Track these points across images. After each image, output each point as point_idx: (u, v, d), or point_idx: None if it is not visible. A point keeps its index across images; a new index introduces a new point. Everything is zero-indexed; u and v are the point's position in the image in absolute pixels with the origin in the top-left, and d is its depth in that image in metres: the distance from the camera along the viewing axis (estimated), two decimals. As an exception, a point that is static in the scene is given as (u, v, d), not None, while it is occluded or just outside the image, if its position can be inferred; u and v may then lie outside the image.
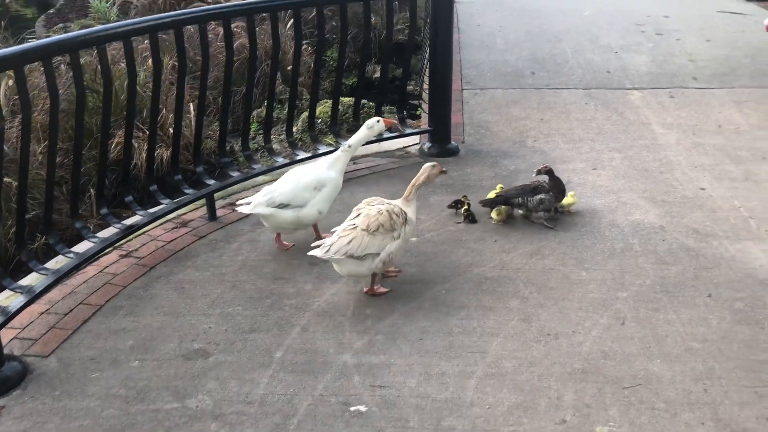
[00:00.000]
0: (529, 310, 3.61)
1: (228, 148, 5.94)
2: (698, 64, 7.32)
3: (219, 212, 4.77)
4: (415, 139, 6.05)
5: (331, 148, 5.50)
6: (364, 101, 6.97)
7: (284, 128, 6.35)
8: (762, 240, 4.24)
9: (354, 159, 5.74)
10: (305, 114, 6.81)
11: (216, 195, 4.77)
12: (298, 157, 5.23)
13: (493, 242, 4.32)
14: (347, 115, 6.76)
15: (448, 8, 5.48)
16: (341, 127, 6.53)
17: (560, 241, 4.31)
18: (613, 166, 5.43)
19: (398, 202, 3.76)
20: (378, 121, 4.30)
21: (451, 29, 5.62)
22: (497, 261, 4.09)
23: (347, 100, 6.85)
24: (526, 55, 7.67)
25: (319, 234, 4.23)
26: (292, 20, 8.17)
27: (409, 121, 6.67)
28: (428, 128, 5.87)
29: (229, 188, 4.94)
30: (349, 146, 4.24)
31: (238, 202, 4.22)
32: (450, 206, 4.73)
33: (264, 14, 6.74)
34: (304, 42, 7.77)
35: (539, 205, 4.47)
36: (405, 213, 3.69)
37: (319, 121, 6.70)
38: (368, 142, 5.54)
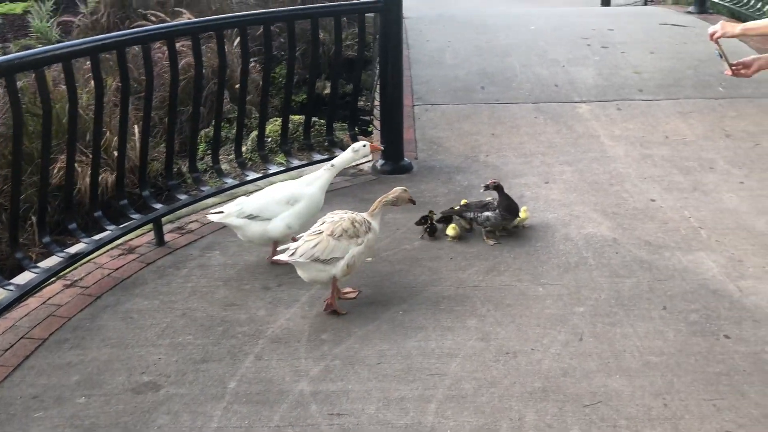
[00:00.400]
0: (488, 329, 3.56)
1: (175, 170, 5.81)
2: (643, 76, 7.45)
3: (167, 237, 4.63)
4: (369, 156, 5.99)
5: (282, 168, 5.43)
6: (314, 118, 6.90)
7: (233, 148, 6.25)
8: (713, 250, 4.28)
9: (306, 178, 5.68)
10: (254, 133, 6.72)
11: (164, 219, 4.64)
12: (248, 178, 5.14)
13: (449, 260, 4.28)
14: (298, 133, 6.68)
15: (396, 24, 5.46)
16: (292, 145, 6.45)
17: (515, 256, 4.29)
18: (565, 179, 5.46)
19: (363, 215, 3.78)
20: (364, 146, 4.26)
21: (401, 45, 5.60)
22: (454, 279, 4.05)
23: (297, 118, 6.78)
24: (476, 70, 7.71)
25: (273, 252, 4.06)
26: (239, 38, 8.09)
27: (360, 137, 6.62)
28: (360, 162, 5.82)
29: (177, 212, 4.80)
30: (332, 166, 4.20)
31: (209, 212, 4.22)
32: (419, 223, 4.64)
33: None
34: (251, 59, 7.69)
35: (485, 222, 4.46)
36: (369, 222, 3.71)
37: (269, 139, 6.61)
38: (329, 158, 5.50)
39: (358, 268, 3.74)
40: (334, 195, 5.30)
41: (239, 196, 5.26)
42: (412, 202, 3.98)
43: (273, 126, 6.74)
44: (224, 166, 6.38)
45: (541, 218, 4.79)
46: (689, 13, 9.95)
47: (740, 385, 3.09)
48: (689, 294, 3.81)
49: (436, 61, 8.02)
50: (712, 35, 3.46)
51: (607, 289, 3.89)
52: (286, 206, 4.02)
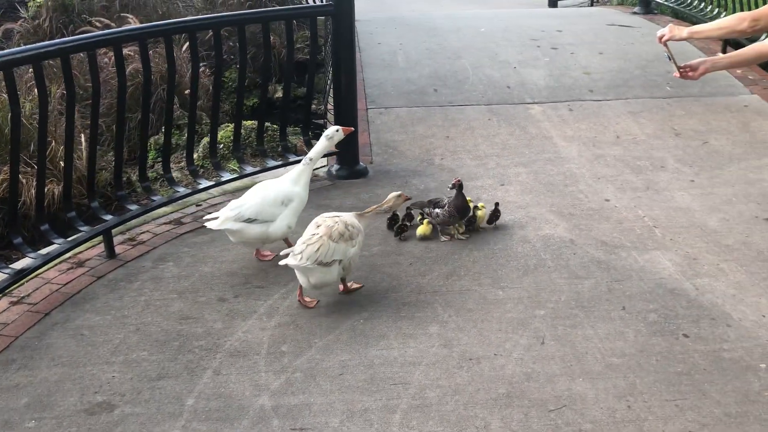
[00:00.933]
0: (450, 335, 3.53)
1: (124, 179, 5.65)
2: (593, 76, 7.54)
3: (118, 249, 4.49)
4: (323, 161, 5.93)
5: (235, 175, 5.32)
6: (267, 123, 6.79)
7: (184, 155, 6.10)
8: (668, 249, 4.33)
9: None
10: (206, 139, 6.59)
11: (114, 231, 4.49)
12: (201, 186, 5.02)
13: (408, 266, 4.24)
14: (250, 139, 6.57)
15: (349, 28, 5.40)
16: (244, 151, 6.34)
17: (474, 260, 4.27)
18: (520, 181, 5.47)
19: (351, 215, 3.88)
20: (337, 131, 4.32)
21: (354, 49, 5.55)
22: (414, 285, 4.01)
23: (250, 123, 6.67)
24: (428, 73, 7.70)
25: (290, 245, 4.14)
26: (188, 42, 7.93)
27: (314, 142, 6.55)
28: (336, 150, 5.75)
29: (128, 223, 4.66)
30: (310, 159, 4.24)
31: (204, 218, 4.20)
32: (390, 226, 4.66)
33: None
34: (201, 64, 7.54)
35: (435, 218, 4.50)
36: (359, 226, 3.82)
37: (221, 146, 6.48)
38: (282, 165, 5.42)
39: (354, 269, 3.89)
40: (290, 202, 5.22)
41: (191, 205, 5.18)
42: (408, 199, 4.14)
43: (224, 132, 6.61)
44: (175, 174, 6.23)
45: (498, 221, 4.79)
46: (635, 13, 10.12)
47: (701, 385, 3.11)
48: (647, 294, 3.84)
49: (388, 64, 7.99)
50: (660, 38, 3.51)
51: (566, 290, 3.90)
52: (281, 207, 4.07)
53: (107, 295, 4.00)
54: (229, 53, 9.25)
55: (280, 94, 10.37)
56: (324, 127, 6.86)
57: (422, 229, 4.55)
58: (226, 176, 5.24)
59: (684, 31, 3.49)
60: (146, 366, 3.38)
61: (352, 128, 4.88)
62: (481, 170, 5.68)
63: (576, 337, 3.48)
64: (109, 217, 4.46)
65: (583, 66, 7.82)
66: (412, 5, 14.08)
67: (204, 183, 5.06)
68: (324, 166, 5.91)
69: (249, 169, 5.35)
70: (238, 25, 4.97)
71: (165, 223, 4.91)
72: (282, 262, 3.60)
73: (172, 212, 5.08)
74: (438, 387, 3.17)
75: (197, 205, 5.20)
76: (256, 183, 5.56)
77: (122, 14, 9.74)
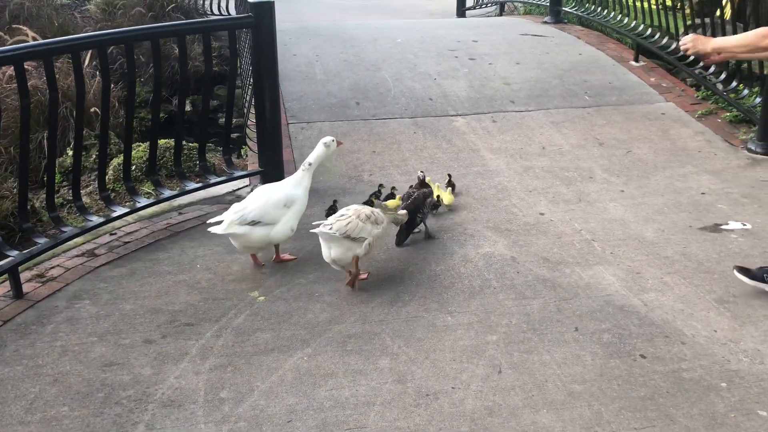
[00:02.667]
0: (402, 368, 3.32)
1: (29, 206, 5.16)
2: (513, 87, 7.52)
3: (26, 287, 4.06)
4: (246, 180, 5.62)
5: (152, 200, 4.95)
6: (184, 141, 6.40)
7: (92, 177, 5.67)
8: (610, 263, 4.27)
9: (179, 207, 5.25)
10: (117, 160, 6.16)
11: (21, 267, 4.06)
12: (115, 214, 4.63)
13: (349, 292, 4.00)
14: (165, 159, 6.17)
15: (270, 40, 5.12)
16: (160, 173, 5.94)
17: (418, 283, 4.08)
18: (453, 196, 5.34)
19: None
20: (333, 140, 4.44)
21: (276, 62, 5.28)
22: (358, 314, 3.78)
23: (164, 143, 6.26)
24: (348, 85, 7.49)
25: (278, 254, 4.35)
26: (90, 56, 7.44)
27: (236, 160, 6.23)
28: (259, 169, 5.46)
29: (36, 257, 4.23)
30: (310, 164, 4.33)
31: (209, 221, 4.15)
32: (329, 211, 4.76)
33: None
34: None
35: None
36: (383, 215, 4.08)
37: (134, 167, 6.06)
38: (194, 189, 5.09)
39: (375, 252, 4.16)
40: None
41: (105, 234, 4.78)
42: (421, 221, 4.57)
43: (137, 152, 6.19)
44: (85, 199, 5.78)
45: (437, 240, 4.63)
46: (545, 23, 10.23)
47: (667, 409, 3.02)
48: (597, 312, 3.75)
49: (306, 77, 7.73)
50: (685, 51, 3.61)
51: (516, 313, 3.76)
52: (284, 209, 4.12)
53: (17, 341, 3.58)
54: (139, 67, 8.74)
55: (188, 107, 9.97)
56: (243, 143, 6.56)
57: (392, 203, 4.90)
58: (142, 201, 4.86)
59: (708, 45, 3.53)
60: (68, 424, 3.01)
61: (342, 142, 4.85)
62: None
63: (533, 364, 3.33)
64: (14, 252, 4.03)
65: (502, 76, 7.80)
66: (321, 14, 13.84)
67: (118, 210, 4.67)
68: (246, 186, 5.61)
69: (167, 193, 4.98)
70: (151, 39, 4.61)
71: (77, 256, 4.49)
72: (315, 230, 3.80)
73: (84, 243, 4.66)
74: (397, 429, 2.95)
75: (111, 234, 4.80)
76: (174, 208, 5.24)
77: (14, 26, 9.06)
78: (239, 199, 5.39)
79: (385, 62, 8.21)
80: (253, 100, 5.56)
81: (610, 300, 3.87)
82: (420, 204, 4.53)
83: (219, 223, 4.06)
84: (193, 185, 5.13)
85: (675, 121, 6.74)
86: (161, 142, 6.18)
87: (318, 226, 3.88)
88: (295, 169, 5.82)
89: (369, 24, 10.27)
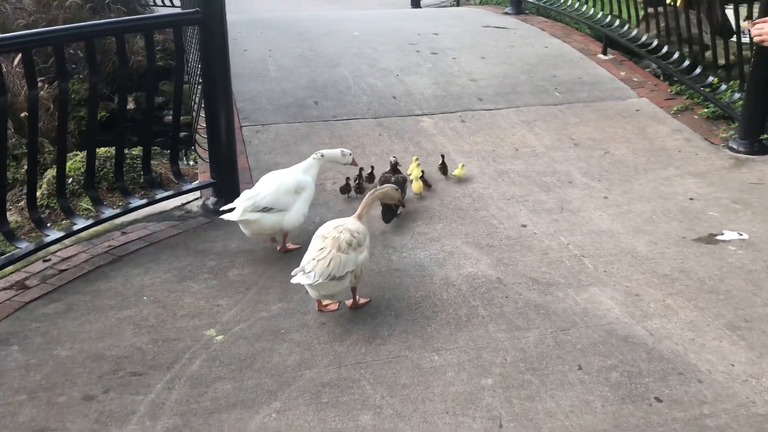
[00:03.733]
0: (388, 426, 2.87)
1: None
2: (480, 83, 7.11)
3: (-59, 332, 3.48)
4: (196, 194, 5.08)
5: (91, 221, 4.38)
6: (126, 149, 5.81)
7: (21, 191, 5.06)
8: (605, 284, 3.89)
9: (122, 226, 4.70)
10: (52, 172, 5.54)
11: (-66, 309, 3.48)
12: (49, 239, 4.07)
13: (319, 327, 3.54)
14: (105, 170, 5.58)
15: (221, 38, 4.59)
16: (99, 186, 5.36)
17: (397, 314, 3.63)
18: (426, 206, 4.91)
19: (352, 219, 3.65)
20: (350, 154, 4.45)
21: (228, 61, 4.75)
22: (332, 355, 3.31)
23: (104, 151, 5.67)
24: (305, 83, 6.97)
25: (285, 244, 4.26)
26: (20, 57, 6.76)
27: (184, 171, 5.68)
28: (211, 180, 4.93)
29: (-47, 296, 3.65)
30: (322, 155, 4.28)
31: (221, 209, 4.10)
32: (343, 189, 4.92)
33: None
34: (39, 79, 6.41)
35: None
36: (363, 230, 3.60)
37: (70, 180, 5.46)
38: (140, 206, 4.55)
39: (366, 275, 3.75)
40: (161, 249, 4.38)
41: (38, 260, 4.21)
42: (402, 204, 4.05)
43: (73, 163, 5.58)
44: (13, 219, 5.19)
45: (412, 258, 4.19)
46: (507, 14, 9.85)
47: (697, 469, 2.64)
48: (600, 345, 3.35)
49: (259, 74, 7.18)
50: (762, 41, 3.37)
51: (510, 348, 3.34)
52: (295, 196, 4.06)
53: (-73, 404, 3.02)
54: (69, 62, 8.07)
55: (131, 104, 9.32)
56: (194, 151, 6.00)
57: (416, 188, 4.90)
58: (81, 223, 4.30)
59: None
60: None
61: (357, 164, 4.71)
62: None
63: (537, 414, 2.92)
64: (-75, 292, 3.45)
65: (467, 72, 7.38)
66: (271, 5, 13.25)
67: (52, 234, 4.12)
68: (197, 198, 5.08)
69: (107, 212, 4.42)
70: (85, 39, 4.03)
71: (4, 289, 3.93)
72: (294, 280, 3.36)
73: (12, 272, 4.09)
74: (387, 505, 2.51)
75: (45, 260, 4.24)
76: (116, 226, 4.69)
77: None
78: (189, 214, 4.88)
79: (342, 57, 7.71)
80: (202, 103, 5.01)
81: (612, 329, 3.48)
82: (402, 187, 4.58)
83: (231, 210, 3.98)
84: (137, 201, 4.58)
85: (650, 118, 6.42)
86: (101, 150, 5.60)
87: (309, 273, 3.38)
88: (252, 179, 5.34)
89: (323, 16, 9.74)
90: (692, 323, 3.52)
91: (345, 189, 5.03)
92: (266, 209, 3.97)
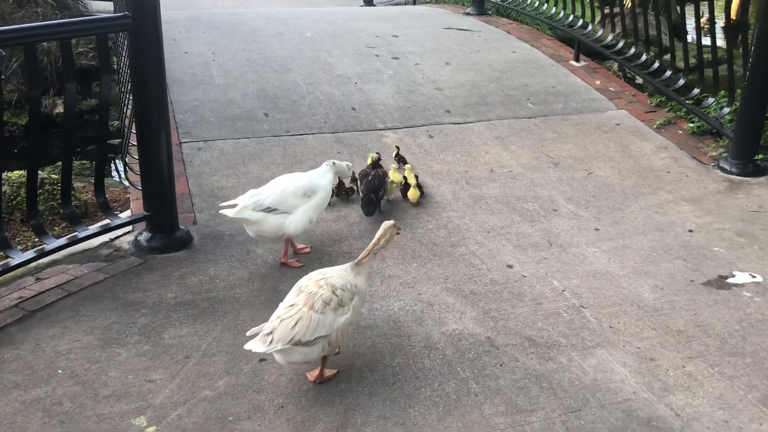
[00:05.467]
0: None
1: None
2: (446, 93, 6.50)
3: None
4: (127, 228, 4.34)
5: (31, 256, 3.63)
6: (42, 174, 5.01)
7: None
8: (613, 344, 3.32)
9: (38, 269, 3.95)
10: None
11: None
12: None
13: (276, 411, 2.87)
14: (17, 199, 4.78)
15: (155, 46, 3.87)
16: (12, 219, 4.58)
17: (372, 391, 2.99)
18: (394, 240, 4.26)
19: (346, 269, 3.05)
20: (351, 167, 4.25)
21: (163, 73, 4.02)
22: (293, 456, 2.66)
23: (16, 175, 4.85)
24: (254, 92, 6.25)
25: (295, 248, 4.04)
26: None
27: (115, 188, 4.93)
28: (145, 213, 4.20)
29: None
30: (334, 163, 4.06)
31: (221, 205, 3.82)
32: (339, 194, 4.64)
33: None
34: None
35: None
36: (353, 283, 2.99)
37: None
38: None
39: (347, 341, 3.12)
40: (83, 301, 3.65)
41: (-74, 321, 3.43)
42: (398, 231, 3.28)
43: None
44: None
45: (384, 311, 3.56)
46: (468, 14, 9.27)
47: None
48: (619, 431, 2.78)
49: (201, 81, 6.43)
50: None
51: (513, 439, 2.74)
52: (304, 199, 3.78)
53: None
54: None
55: (60, 109, 8.46)
56: (125, 176, 5.23)
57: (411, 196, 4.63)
58: (17, 258, 3.54)
59: None
60: None
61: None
62: (343, 228, 4.40)
63: None
64: None
65: (432, 80, 6.76)
66: (213, 0, 12.40)
67: (-57, 289, 3.34)
68: (128, 232, 4.34)
69: (17, 258, 3.66)
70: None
71: None
72: (247, 346, 2.78)
73: None
74: None
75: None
76: (30, 270, 3.93)
77: None
78: (119, 252, 4.15)
79: (294, 62, 7.00)
80: (134, 119, 4.26)
81: (630, 410, 2.90)
82: (382, 181, 4.50)
83: (233, 206, 3.72)
84: (54, 243, 3.83)
85: (632, 133, 5.91)
86: (13, 174, 4.79)
87: (261, 335, 2.84)
88: (193, 207, 4.63)
89: (271, 14, 8.98)
90: (722, 398, 2.97)
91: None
92: (269, 209, 3.68)
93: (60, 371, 3.11)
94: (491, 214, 4.64)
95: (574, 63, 7.34)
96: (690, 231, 4.43)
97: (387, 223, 3.14)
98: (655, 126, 6.00)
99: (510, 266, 4.02)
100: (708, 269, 3.99)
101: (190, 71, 6.62)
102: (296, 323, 2.78)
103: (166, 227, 4.19)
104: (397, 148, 5.22)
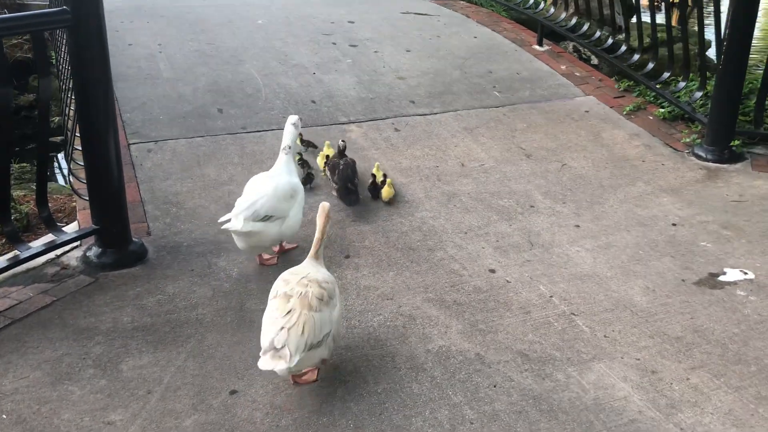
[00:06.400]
0: None
1: None
2: (409, 82, 6.21)
3: None
4: (75, 243, 3.96)
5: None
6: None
7: None
8: (610, 355, 3.11)
9: (-26, 294, 3.55)
10: None
11: None
12: None
13: (254, 456, 2.58)
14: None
15: (98, 43, 3.51)
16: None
17: (357, 424, 2.72)
18: (367, 246, 4.01)
19: (310, 264, 2.95)
20: (299, 119, 3.89)
21: (108, 71, 3.66)
22: None
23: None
24: (205, 85, 5.86)
25: (283, 248, 3.89)
26: None
27: (59, 195, 4.54)
28: (94, 227, 3.83)
29: None
30: (289, 147, 3.81)
31: (221, 220, 3.67)
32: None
33: None
34: None
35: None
36: (328, 275, 2.93)
37: None
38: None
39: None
40: (29, 329, 3.28)
41: None
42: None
43: None
44: None
45: (364, 328, 3.29)
46: (426, -2, 8.97)
47: None
48: (632, 460, 2.57)
49: (148, 75, 6.00)
50: None
51: (518, 474, 2.50)
52: (291, 201, 3.68)
53: None
54: None
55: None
56: (69, 185, 4.83)
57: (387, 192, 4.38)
58: None
59: None
60: None
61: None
62: (310, 232, 4.08)
63: None
64: None
65: (393, 69, 6.46)
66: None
67: None
68: (76, 247, 3.97)
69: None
70: None
71: None
72: (265, 367, 2.61)
73: None
74: None
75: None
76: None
77: None
78: (67, 270, 3.79)
79: (247, 52, 6.62)
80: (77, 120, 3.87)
81: (638, 431, 2.69)
82: (354, 170, 4.44)
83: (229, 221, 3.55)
84: (-10, 269, 3.45)
85: (603, 120, 5.73)
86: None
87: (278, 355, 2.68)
88: (146, 216, 4.27)
89: (219, 0, 8.54)
90: (732, 414, 2.78)
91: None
92: (266, 217, 3.56)
93: (4, 416, 2.76)
94: (466, 212, 4.39)
95: (537, 47, 7.12)
96: (674, 225, 4.26)
97: (324, 206, 3.03)
98: (625, 112, 5.83)
99: (492, 271, 3.78)
100: (698, 266, 3.81)
101: (135, 65, 6.19)
102: (303, 328, 2.66)
103: (118, 241, 3.83)
104: (300, 135, 4.93)
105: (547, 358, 3.09)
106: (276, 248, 3.87)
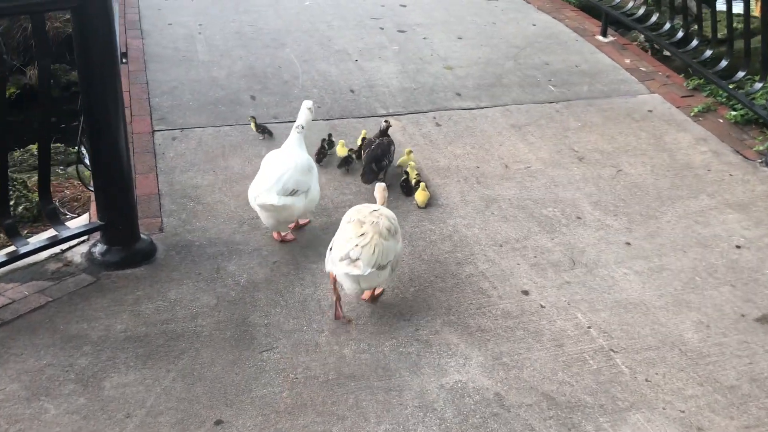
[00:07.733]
0: None
1: None
2: (457, 72, 5.80)
3: None
4: (81, 238, 3.73)
5: None
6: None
7: None
8: (650, 405, 2.70)
9: (-30, 289, 3.35)
10: None
11: None
12: None
13: (228, 504, 2.28)
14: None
15: (105, 26, 3.24)
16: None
17: (349, 473, 2.40)
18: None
19: (379, 205, 3.30)
20: (313, 104, 3.89)
21: (116, 57, 3.41)
22: None
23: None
24: (241, 70, 5.58)
25: (297, 223, 3.86)
26: None
27: (67, 211, 4.34)
28: (99, 223, 3.59)
29: None
30: (303, 127, 3.78)
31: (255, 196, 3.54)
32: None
33: None
34: None
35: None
36: (393, 215, 3.23)
37: None
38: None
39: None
40: (19, 332, 3.05)
41: None
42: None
43: None
44: None
45: (372, 352, 2.97)
46: (483, -19, 8.48)
47: None
48: None
49: (184, 57, 5.76)
50: None
51: None
52: (309, 174, 3.66)
53: None
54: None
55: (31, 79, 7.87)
56: (79, 178, 4.60)
57: (420, 197, 4.12)
58: None
59: None
60: None
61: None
62: (318, 209, 3.77)
63: None
64: None
65: (442, 57, 6.06)
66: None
67: None
68: (83, 241, 3.74)
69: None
70: None
71: None
72: (343, 270, 2.93)
73: None
74: None
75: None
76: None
77: None
78: (69, 267, 3.56)
79: (290, 35, 6.31)
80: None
81: (676, 507, 2.30)
82: (386, 150, 4.29)
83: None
84: (-14, 263, 3.24)
85: (667, 122, 5.21)
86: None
87: (345, 258, 2.99)
88: (161, 211, 4.01)
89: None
90: (792, 491, 2.35)
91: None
92: (293, 192, 3.52)
93: (-25, 433, 2.54)
94: (505, 221, 4.00)
95: (600, 38, 6.59)
96: (738, 247, 3.77)
97: (380, 186, 3.41)
98: (692, 113, 5.29)
99: (526, 293, 3.39)
100: (761, 299, 3.34)
101: (172, 46, 5.95)
102: (374, 249, 2.95)
103: (125, 238, 3.58)
104: (254, 118, 4.74)
105: (577, 404, 2.70)
106: (291, 225, 3.82)
